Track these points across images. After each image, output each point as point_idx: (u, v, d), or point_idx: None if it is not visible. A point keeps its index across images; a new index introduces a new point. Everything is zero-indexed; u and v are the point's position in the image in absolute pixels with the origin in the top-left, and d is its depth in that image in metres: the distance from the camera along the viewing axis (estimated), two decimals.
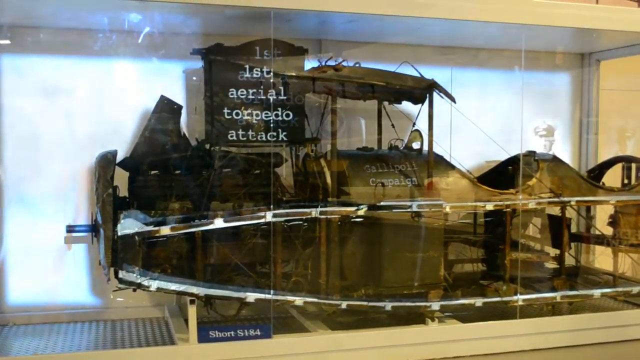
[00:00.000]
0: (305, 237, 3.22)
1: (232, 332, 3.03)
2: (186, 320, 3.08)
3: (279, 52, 3.19)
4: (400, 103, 3.53)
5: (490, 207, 3.43)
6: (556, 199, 3.57)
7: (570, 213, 3.79)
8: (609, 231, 3.91)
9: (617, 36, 3.87)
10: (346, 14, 3.16)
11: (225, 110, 3.17)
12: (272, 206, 3.10)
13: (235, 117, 3.18)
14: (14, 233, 3.50)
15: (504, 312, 3.50)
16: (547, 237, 3.82)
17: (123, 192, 3.17)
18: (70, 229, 3.14)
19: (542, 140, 4.31)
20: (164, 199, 3.11)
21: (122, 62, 3.57)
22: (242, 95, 3.18)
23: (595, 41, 4.15)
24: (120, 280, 2.99)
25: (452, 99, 3.41)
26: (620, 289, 3.73)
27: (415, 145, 3.51)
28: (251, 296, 3.09)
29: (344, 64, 3.29)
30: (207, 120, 3.22)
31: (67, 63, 3.52)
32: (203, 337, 3.01)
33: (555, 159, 3.77)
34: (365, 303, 3.22)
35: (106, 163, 3.01)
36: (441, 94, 3.36)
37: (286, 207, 3.16)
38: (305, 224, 3.20)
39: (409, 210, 3.26)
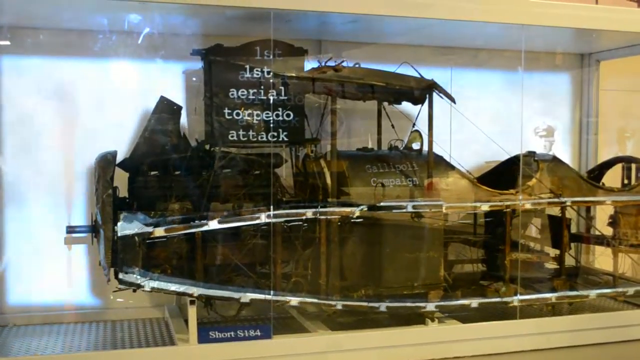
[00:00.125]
0: (305, 237, 3.22)
1: (232, 333, 3.03)
2: (186, 321, 3.08)
3: (279, 52, 3.19)
4: (400, 103, 3.53)
5: (486, 207, 3.43)
6: (556, 200, 3.57)
7: (570, 213, 3.79)
8: (609, 231, 3.91)
9: (617, 36, 3.87)
10: (346, 14, 3.16)
11: (225, 111, 3.17)
12: (271, 207, 3.10)
13: (235, 118, 3.18)
14: (15, 233, 3.50)
15: (504, 313, 3.50)
16: (547, 238, 3.82)
17: (123, 192, 3.17)
18: (70, 229, 3.14)
19: (542, 141, 4.31)
20: (163, 200, 3.11)
21: (122, 63, 3.57)
22: (241, 95, 3.18)
23: (595, 41, 4.16)
24: (120, 281, 2.99)
25: (452, 100, 3.41)
26: (617, 289, 3.73)
27: (415, 146, 3.51)
28: (245, 296, 3.09)
29: (344, 64, 3.29)
30: (207, 120, 3.22)
31: (67, 63, 3.52)
32: (203, 338, 3.01)
33: (555, 160, 3.77)
34: (359, 303, 3.22)
35: (106, 164, 3.01)
36: (441, 94, 3.36)
37: (286, 207, 3.16)
38: (305, 224, 3.20)
39: (404, 210, 3.26)
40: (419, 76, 3.38)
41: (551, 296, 3.56)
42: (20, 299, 3.53)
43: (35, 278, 3.53)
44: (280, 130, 3.24)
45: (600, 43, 4.23)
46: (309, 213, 3.15)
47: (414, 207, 3.27)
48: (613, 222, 3.87)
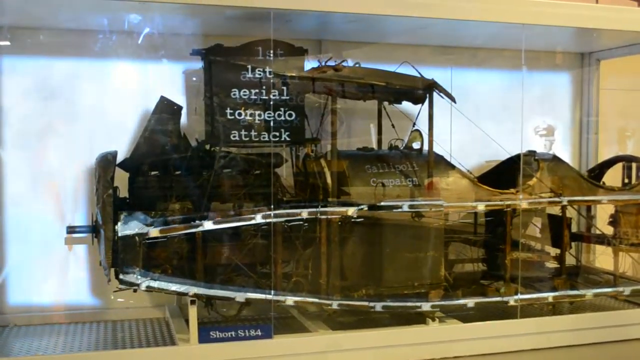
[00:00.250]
0: (305, 237, 3.22)
1: (233, 333, 3.03)
2: (187, 321, 3.08)
3: (279, 52, 3.19)
4: (400, 103, 3.53)
5: (482, 207, 3.42)
6: (556, 199, 3.57)
7: (570, 212, 3.79)
8: (609, 231, 3.91)
9: (617, 36, 3.87)
10: (346, 14, 3.16)
11: (225, 111, 3.17)
12: (272, 206, 3.11)
13: (235, 118, 3.18)
14: (15, 233, 3.50)
15: (504, 312, 3.50)
16: (548, 237, 3.81)
17: (123, 192, 3.17)
18: (70, 229, 3.14)
19: (542, 140, 4.31)
20: (164, 200, 3.11)
21: (122, 63, 3.57)
22: (242, 95, 3.18)
23: (595, 41, 4.15)
24: (121, 281, 2.99)
25: (452, 99, 3.41)
26: (613, 289, 3.72)
27: (416, 145, 3.51)
28: (240, 296, 3.09)
29: (344, 64, 3.29)
30: (207, 120, 3.22)
31: (67, 63, 3.53)
32: (204, 338, 3.01)
33: (555, 159, 3.77)
34: (354, 303, 3.22)
35: (106, 164, 3.01)
36: (441, 94, 3.36)
37: (286, 207, 3.16)
38: (305, 224, 3.20)
39: (400, 210, 3.25)
40: (419, 76, 3.38)
41: (547, 296, 3.55)
42: (20, 299, 3.53)
43: (35, 278, 3.53)
44: (281, 130, 3.24)
45: (601, 42, 4.23)
46: (305, 213, 3.14)
47: (411, 206, 3.26)
48: (614, 221, 3.87)
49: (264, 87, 3.19)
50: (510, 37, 3.67)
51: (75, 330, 3.39)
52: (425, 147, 3.40)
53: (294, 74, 3.21)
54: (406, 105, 3.52)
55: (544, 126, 4.33)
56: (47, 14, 3.26)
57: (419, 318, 3.32)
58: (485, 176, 3.78)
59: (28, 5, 3.10)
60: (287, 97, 3.24)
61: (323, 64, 3.31)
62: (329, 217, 3.17)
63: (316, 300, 3.19)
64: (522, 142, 3.64)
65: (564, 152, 4.43)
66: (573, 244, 3.99)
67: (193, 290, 3.03)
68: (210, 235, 3.07)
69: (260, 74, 3.18)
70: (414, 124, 3.52)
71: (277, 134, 3.23)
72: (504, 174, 3.71)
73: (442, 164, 3.45)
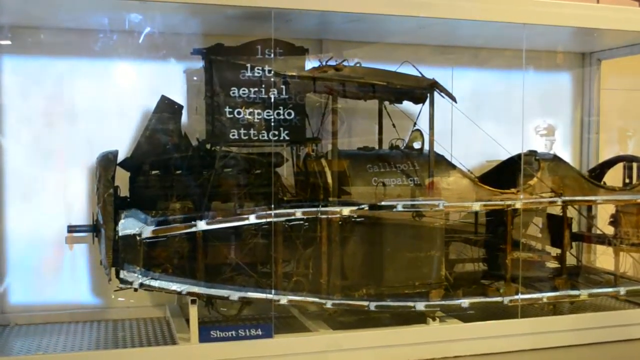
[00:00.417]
0: (305, 236, 3.22)
1: (233, 332, 3.04)
2: (187, 320, 3.08)
3: (280, 51, 3.19)
4: (401, 103, 3.53)
5: (477, 207, 3.41)
6: (557, 198, 3.56)
7: (571, 212, 3.79)
8: (610, 230, 3.90)
9: (618, 35, 3.87)
10: (347, 13, 3.16)
11: (226, 110, 3.17)
12: (272, 206, 3.11)
13: (236, 117, 3.18)
14: (16, 233, 3.50)
15: (505, 312, 3.50)
16: (548, 237, 3.81)
17: (124, 192, 3.17)
18: (71, 229, 3.14)
19: (543, 140, 4.30)
20: (165, 199, 3.11)
21: (122, 63, 3.57)
22: (242, 95, 3.18)
23: (596, 40, 4.15)
24: (122, 280, 2.99)
25: (453, 99, 3.41)
26: (609, 289, 3.73)
27: (416, 145, 3.51)
28: (234, 295, 3.08)
29: (345, 63, 3.29)
30: (208, 120, 3.22)
31: (67, 63, 3.53)
32: (204, 337, 3.01)
33: (556, 159, 3.77)
34: (350, 302, 3.21)
35: (107, 163, 3.01)
36: (442, 93, 3.35)
37: (287, 207, 3.16)
38: (306, 224, 3.20)
39: (396, 210, 3.25)
40: (420, 75, 3.38)
41: (542, 296, 3.54)
42: (21, 299, 3.53)
43: (36, 277, 3.53)
44: (282, 129, 3.24)
45: (602, 42, 4.22)
46: (298, 213, 3.14)
47: (406, 206, 3.26)
48: (614, 221, 3.87)
49: (264, 87, 3.19)
50: (511, 37, 3.66)
51: (76, 330, 3.40)
52: (426, 147, 3.39)
53: (294, 74, 3.21)
54: (407, 105, 3.51)
55: (544, 126, 4.33)
56: (48, 14, 3.26)
57: (420, 318, 3.32)
58: (486, 176, 3.78)
59: (28, 5, 3.10)
60: (288, 97, 3.24)
61: (324, 63, 3.31)
62: (329, 216, 3.17)
63: (309, 299, 3.18)
64: (522, 141, 3.64)
65: (565, 152, 4.43)
66: (574, 244, 3.98)
67: (183, 288, 3.02)
68: (211, 234, 3.07)
69: (261, 74, 3.18)
70: (415, 123, 3.52)
71: (278, 133, 3.23)
72: (505, 174, 3.71)
73: (443, 164, 3.45)
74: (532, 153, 3.72)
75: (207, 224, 3.03)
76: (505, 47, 4.09)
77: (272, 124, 3.21)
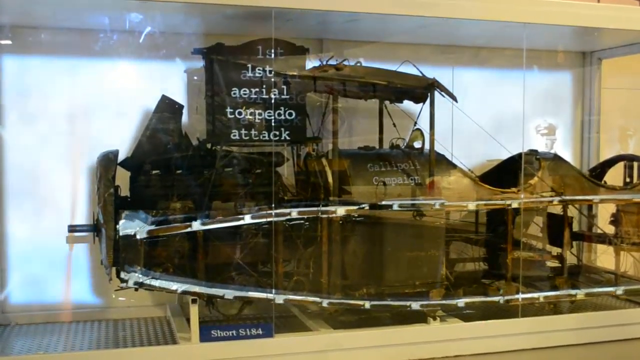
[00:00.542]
0: (306, 236, 3.22)
1: (234, 332, 3.04)
2: (188, 320, 3.08)
3: (280, 51, 3.19)
4: (401, 102, 3.53)
5: (472, 207, 3.41)
6: (557, 198, 3.56)
7: (572, 212, 3.78)
8: (610, 230, 3.90)
9: (619, 35, 3.87)
10: (347, 13, 3.16)
11: (227, 110, 3.17)
12: (273, 205, 3.11)
13: (237, 117, 3.18)
14: (16, 233, 3.50)
15: (505, 311, 3.50)
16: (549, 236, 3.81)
17: (124, 191, 3.17)
18: (72, 228, 3.14)
19: (543, 139, 4.30)
20: (165, 199, 3.11)
21: (123, 62, 3.57)
22: (243, 94, 3.18)
23: (597, 40, 4.15)
24: (122, 280, 2.99)
25: (454, 98, 3.40)
26: (608, 289, 3.73)
27: (417, 145, 3.51)
28: (229, 294, 3.08)
29: (345, 63, 3.29)
30: (208, 119, 3.22)
31: (68, 63, 3.53)
32: (205, 337, 3.01)
33: (556, 158, 3.77)
34: (346, 301, 3.21)
35: (107, 163, 3.01)
36: (442, 93, 3.35)
37: (287, 206, 3.16)
38: (306, 223, 3.20)
39: (393, 210, 3.24)
40: (420, 75, 3.37)
41: (539, 295, 3.54)
42: (22, 298, 3.53)
43: (37, 277, 3.53)
44: (282, 129, 3.24)
45: (602, 41, 4.22)
46: (294, 213, 3.13)
47: (406, 205, 3.26)
48: (615, 220, 3.87)
49: (265, 86, 3.19)
50: (511, 36, 3.66)
51: (76, 329, 3.40)
52: (427, 146, 3.39)
53: (295, 73, 3.21)
54: (407, 104, 3.51)
55: (545, 125, 4.33)
56: (48, 13, 3.26)
57: (420, 317, 3.32)
58: (486, 175, 3.78)
59: (28, 5, 3.10)
60: (289, 96, 3.23)
61: (324, 63, 3.31)
62: (330, 216, 3.17)
63: (305, 298, 3.18)
64: (523, 141, 3.64)
65: (566, 151, 4.42)
66: (574, 243, 3.98)
67: (178, 286, 3.02)
68: (211, 234, 3.07)
69: (261, 73, 3.18)
70: (415, 123, 3.52)
71: (278, 132, 3.23)
72: (506, 173, 3.71)
73: (443, 163, 3.45)
74: (533, 152, 3.72)
75: (203, 224, 3.03)
76: (505, 46, 4.09)
77: (273, 123, 3.21)
